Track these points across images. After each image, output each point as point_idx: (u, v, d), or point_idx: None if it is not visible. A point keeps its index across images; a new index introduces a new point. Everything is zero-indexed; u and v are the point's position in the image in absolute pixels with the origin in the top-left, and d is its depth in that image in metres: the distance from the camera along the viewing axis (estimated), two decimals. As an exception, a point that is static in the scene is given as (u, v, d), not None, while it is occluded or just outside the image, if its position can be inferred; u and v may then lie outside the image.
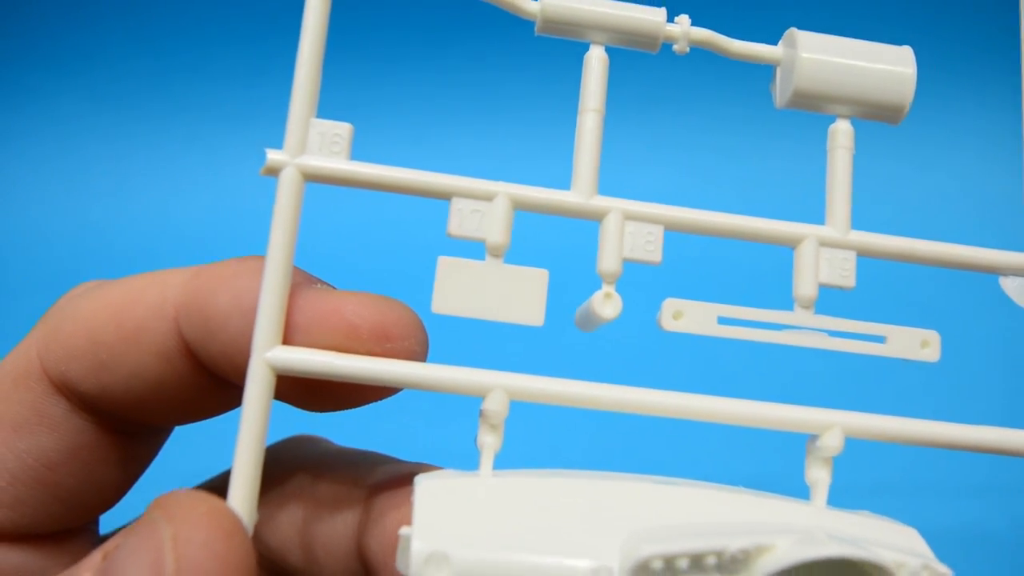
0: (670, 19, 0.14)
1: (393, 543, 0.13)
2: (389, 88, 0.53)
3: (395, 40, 0.53)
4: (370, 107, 0.53)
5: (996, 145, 0.50)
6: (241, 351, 0.13)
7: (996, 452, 0.14)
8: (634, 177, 0.52)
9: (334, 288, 0.15)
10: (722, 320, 0.13)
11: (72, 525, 0.16)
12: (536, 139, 0.53)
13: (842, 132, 0.15)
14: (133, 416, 0.16)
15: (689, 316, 0.13)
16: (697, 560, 0.11)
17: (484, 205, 0.13)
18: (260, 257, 0.14)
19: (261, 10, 0.54)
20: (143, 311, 0.15)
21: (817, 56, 0.14)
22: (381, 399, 0.15)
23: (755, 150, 0.50)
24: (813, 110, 0.15)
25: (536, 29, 0.14)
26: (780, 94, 0.15)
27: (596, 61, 0.14)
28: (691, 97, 0.51)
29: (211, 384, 0.15)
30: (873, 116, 0.15)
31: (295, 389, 0.14)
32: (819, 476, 0.13)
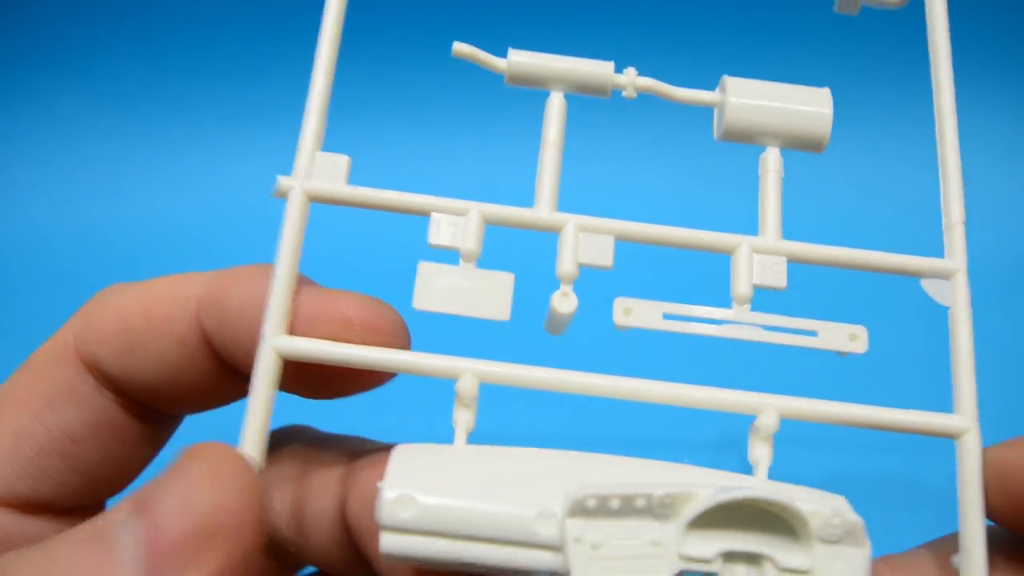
0: (619, 69, 0.17)
1: (370, 501, 0.14)
2: (389, 88, 0.53)
3: (395, 40, 0.53)
4: (370, 107, 0.53)
5: (996, 145, 0.50)
6: (251, 339, 0.15)
7: (916, 432, 0.16)
8: (634, 177, 0.52)
9: (331, 289, 0.17)
10: (667, 316, 0.15)
11: (87, 501, 0.18)
12: (535, 139, 0.53)
13: (771, 159, 0.17)
14: (151, 399, 0.18)
15: (637, 313, 0.15)
16: (628, 501, 0.13)
17: (459, 220, 0.16)
18: (271, 264, 0.16)
19: (261, 10, 0.54)
20: (170, 304, 0.17)
21: (743, 100, 0.17)
22: (372, 388, 0.17)
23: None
24: (745, 143, 0.17)
25: (505, 81, 0.17)
26: (716, 129, 0.17)
27: (556, 106, 0.17)
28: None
29: (222, 373, 0.17)
30: (797, 147, 0.17)
31: (297, 377, 0.16)
32: (760, 453, 0.15)
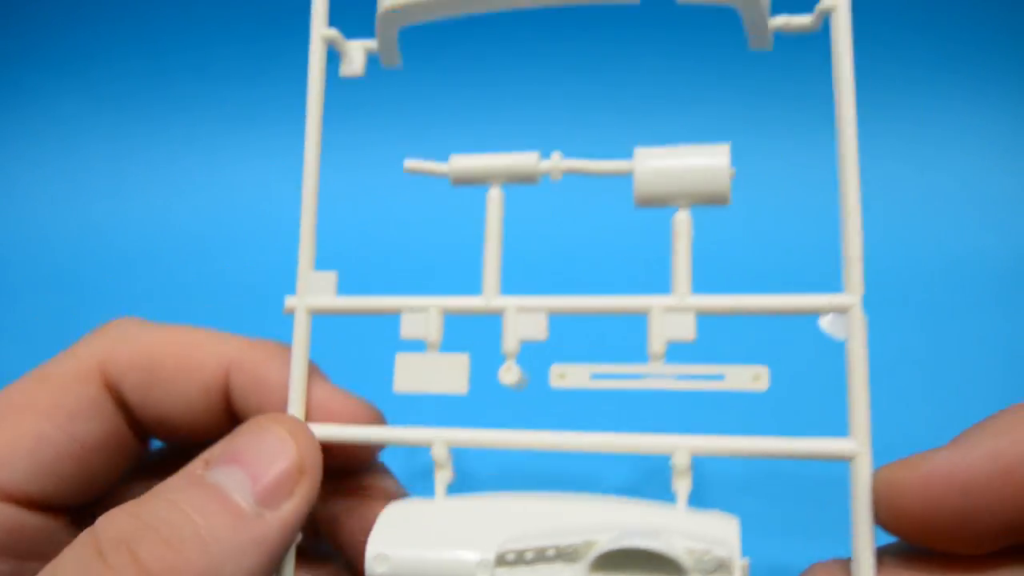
0: (546, 155, 0.19)
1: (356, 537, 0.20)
2: (389, 88, 0.53)
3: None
4: (370, 107, 0.53)
5: (996, 145, 0.50)
6: (269, 407, 0.20)
7: (815, 458, 0.17)
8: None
9: (336, 388, 0.21)
10: (595, 376, 0.18)
11: (81, 501, 0.21)
12: (536, 139, 0.53)
13: (680, 222, 0.19)
14: (155, 427, 0.21)
15: (570, 376, 0.18)
16: (540, 552, 0.16)
17: (422, 315, 0.19)
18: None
19: (261, 10, 0.54)
20: (203, 355, 0.21)
21: (649, 169, 0.18)
22: (367, 461, 0.22)
23: (756, 149, 0.50)
24: (659, 207, 0.19)
25: (451, 183, 0.20)
26: (634, 197, 0.19)
27: (494, 200, 0.20)
28: (691, 97, 0.51)
29: (226, 421, 0.21)
30: (705, 204, 0.18)
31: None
32: (679, 485, 0.17)
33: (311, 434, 0.18)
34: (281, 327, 0.21)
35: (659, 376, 0.18)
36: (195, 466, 0.17)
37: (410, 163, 0.20)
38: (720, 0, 0.18)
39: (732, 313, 0.18)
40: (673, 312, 0.18)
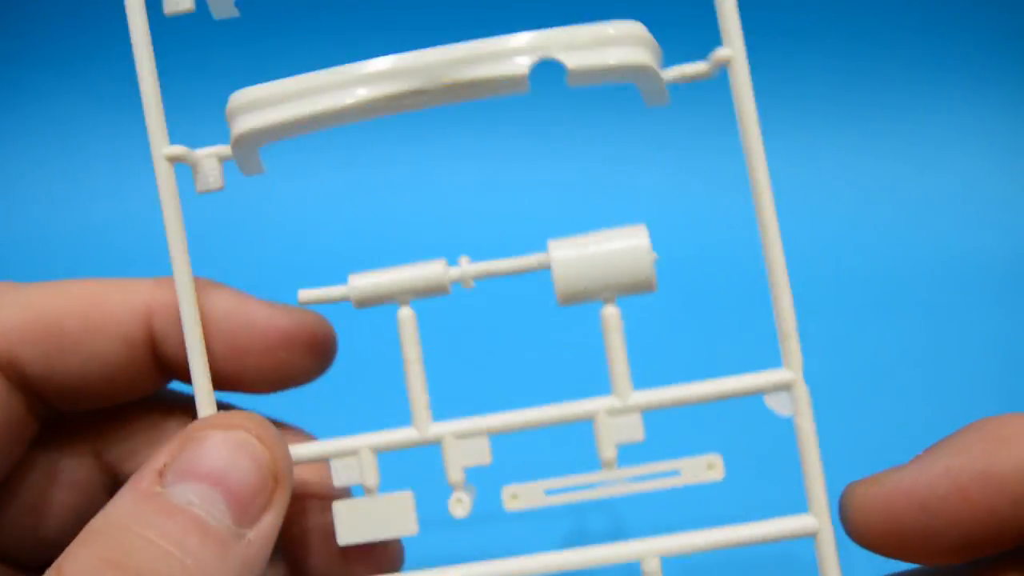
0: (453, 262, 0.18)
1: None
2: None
3: (395, 40, 0.53)
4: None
5: (996, 145, 0.50)
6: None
7: (779, 540, 0.17)
8: (636, 177, 0.52)
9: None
10: (548, 492, 0.17)
11: None
12: (536, 139, 0.53)
13: (609, 317, 0.17)
14: (69, 397, 0.19)
15: (523, 496, 0.17)
16: None
17: (353, 459, 0.17)
18: (212, 281, 0.19)
19: (261, 10, 0.54)
20: (111, 306, 0.18)
21: (564, 266, 0.17)
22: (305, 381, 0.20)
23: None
24: (584, 303, 0.17)
25: (354, 306, 0.18)
26: (556, 296, 0.18)
27: (406, 320, 0.18)
28: (692, 97, 0.51)
29: (156, 371, 0.19)
30: (632, 292, 0.17)
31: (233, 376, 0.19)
32: None
33: (278, 433, 0.16)
34: (248, 282, 0.20)
35: (614, 483, 0.17)
36: (148, 481, 0.15)
37: (304, 294, 0.18)
38: (616, 80, 0.17)
39: (678, 405, 0.17)
40: (618, 414, 0.17)
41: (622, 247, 0.17)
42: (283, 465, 0.16)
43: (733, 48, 0.17)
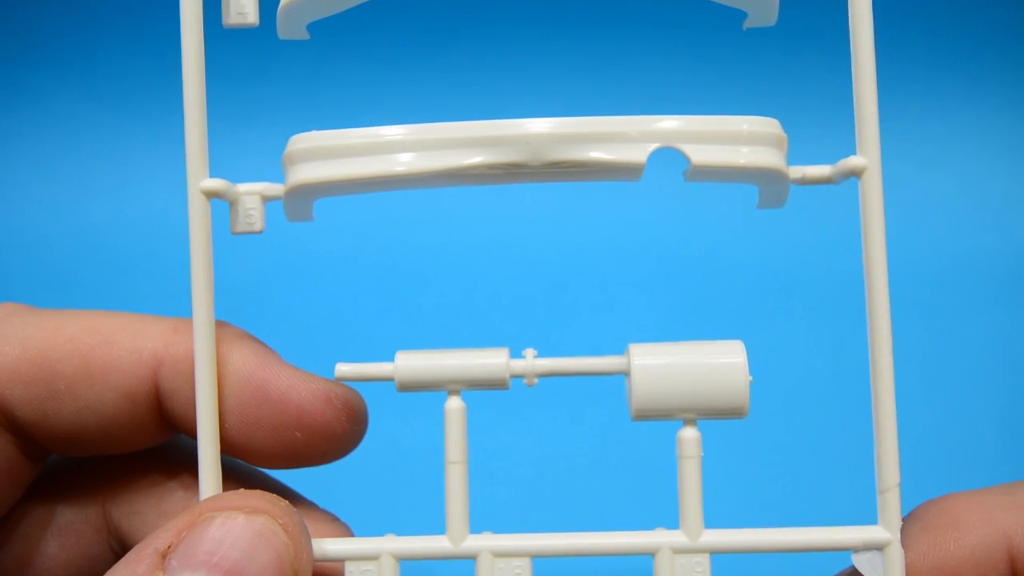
0: (516, 353, 0.16)
1: None
2: (389, 88, 0.53)
3: (395, 40, 0.53)
4: (370, 107, 0.53)
5: (996, 145, 0.50)
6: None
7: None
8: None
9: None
10: None
11: None
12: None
13: (687, 441, 0.15)
14: (62, 444, 0.17)
15: None
16: None
17: (373, 564, 0.15)
18: (228, 324, 0.17)
19: (261, 10, 0.54)
20: (116, 352, 0.16)
21: (648, 378, 0.15)
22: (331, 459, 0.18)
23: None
24: (661, 420, 0.15)
25: (397, 389, 0.16)
26: (630, 410, 0.15)
27: (454, 414, 0.15)
28: (692, 97, 0.51)
29: (160, 426, 0.17)
30: (719, 416, 0.15)
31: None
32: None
33: (302, 521, 0.14)
34: (282, 329, 0.19)
35: None
36: (148, 565, 0.13)
37: (342, 369, 0.16)
38: (737, 180, 0.15)
39: (751, 551, 0.15)
40: (684, 554, 0.15)
41: (715, 363, 0.15)
42: (305, 563, 0.13)
43: (868, 158, 0.15)
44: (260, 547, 0.13)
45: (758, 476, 0.37)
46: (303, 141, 0.16)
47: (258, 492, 0.14)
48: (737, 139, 0.15)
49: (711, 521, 0.15)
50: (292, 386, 0.17)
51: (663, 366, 0.15)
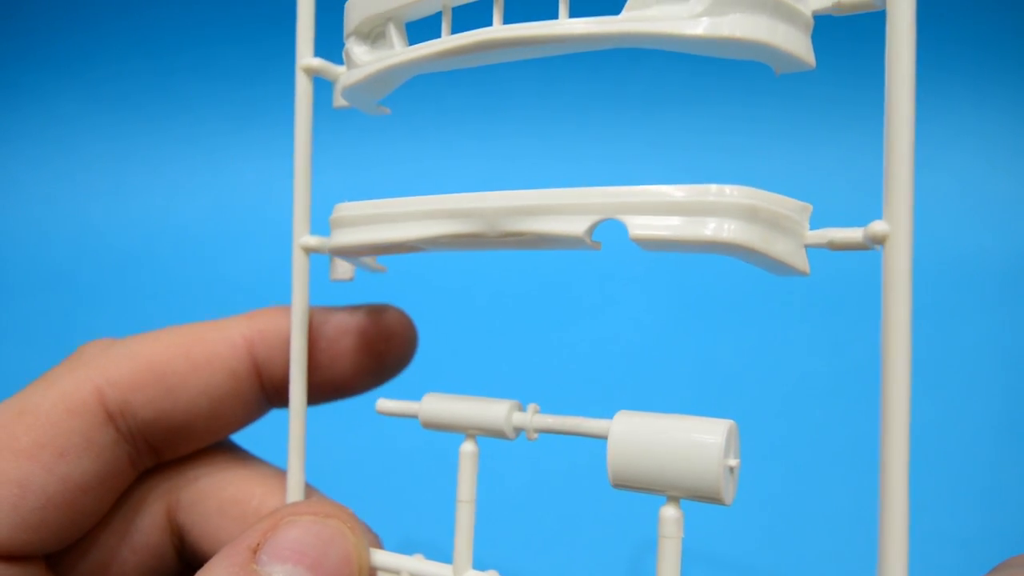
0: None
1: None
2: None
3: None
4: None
5: (996, 145, 0.50)
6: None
7: None
8: (635, 177, 0.52)
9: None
10: None
11: (62, 546, 0.18)
12: (536, 139, 0.53)
13: (665, 520, 0.14)
14: (175, 437, 0.19)
15: None
16: None
17: None
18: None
19: (261, 11, 0.54)
20: (211, 344, 0.19)
21: (624, 449, 0.14)
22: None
23: (756, 150, 0.50)
24: (641, 492, 0.15)
25: (422, 426, 0.17)
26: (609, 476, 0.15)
27: (465, 456, 0.17)
28: (692, 97, 0.51)
29: (258, 399, 0.20)
30: (695, 498, 0.14)
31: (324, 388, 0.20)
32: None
33: (363, 527, 0.17)
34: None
35: None
36: (243, 557, 0.15)
37: (382, 404, 0.18)
38: (700, 251, 0.13)
39: None
40: None
41: (690, 440, 0.14)
42: (366, 559, 0.16)
43: (893, 224, 0.12)
44: (334, 545, 0.16)
45: (838, 209, 0.37)
46: (338, 211, 0.18)
47: (327, 499, 0.17)
48: (683, 210, 0.13)
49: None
50: (366, 315, 0.20)
51: (639, 437, 0.14)
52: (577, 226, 0.14)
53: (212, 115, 0.56)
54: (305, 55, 0.18)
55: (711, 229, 0.13)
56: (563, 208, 0.14)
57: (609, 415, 0.15)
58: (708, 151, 0.51)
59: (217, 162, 0.56)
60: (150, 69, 0.57)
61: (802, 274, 0.13)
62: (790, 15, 0.13)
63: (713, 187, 0.13)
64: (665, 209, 0.13)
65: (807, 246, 0.13)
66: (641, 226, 0.13)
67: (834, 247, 0.13)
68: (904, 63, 0.12)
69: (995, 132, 0.50)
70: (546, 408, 0.17)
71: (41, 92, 0.59)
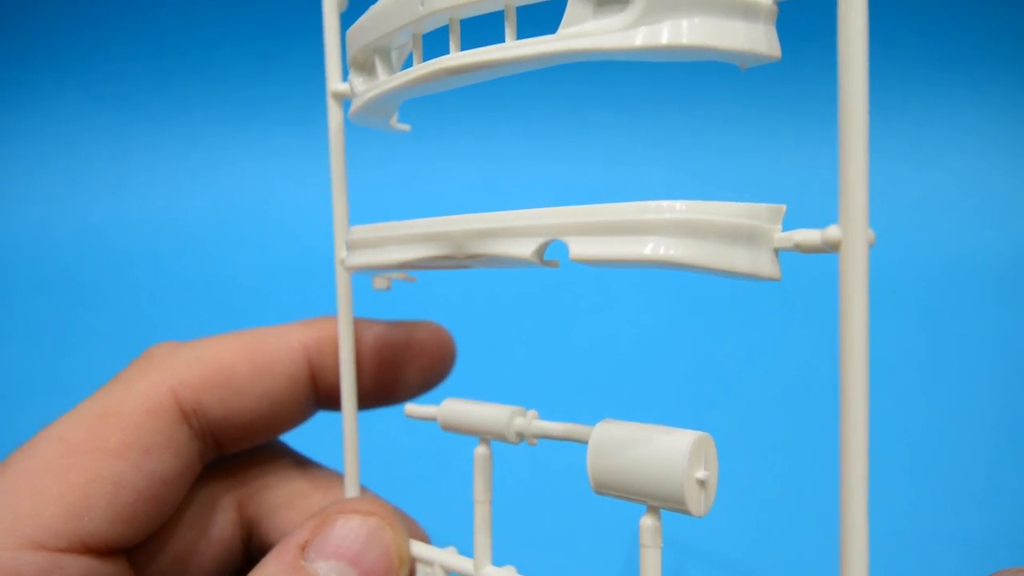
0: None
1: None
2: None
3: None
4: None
5: (996, 145, 0.50)
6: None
7: None
8: (635, 177, 0.52)
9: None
10: None
11: (146, 541, 0.20)
12: (536, 139, 0.53)
13: (644, 529, 0.14)
14: (241, 434, 0.21)
15: None
16: None
17: (431, 569, 0.18)
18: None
19: (261, 11, 0.54)
20: (272, 350, 0.21)
21: (601, 458, 0.14)
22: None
23: (756, 150, 0.50)
24: (621, 499, 0.15)
25: (441, 428, 0.18)
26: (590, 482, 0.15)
27: (479, 459, 0.17)
28: (691, 97, 0.51)
29: (311, 401, 0.22)
30: (666, 507, 0.14)
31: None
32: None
33: (402, 521, 0.18)
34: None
35: None
36: (293, 555, 0.17)
37: (410, 409, 0.19)
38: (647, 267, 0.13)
39: None
40: None
41: (653, 452, 0.14)
42: (406, 552, 0.18)
43: (847, 230, 0.12)
44: (375, 541, 0.17)
45: (907, 200, 0.36)
46: (350, 233, 0.19)
47: (371, 497, 0.19)
48: (623, 229, 0.13)
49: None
50: (408, 331, 0.22)
51: (612, 446, 0.14)
52: (525, 248, 0.14)
53: (212, 115, 0.56)
54: (334, 80, 0.19)
55: (649, 248, 0.13)
56: (514, 231, 0.14)
57: (628, 416, 0.15)
58: (708, 151, 0.51)
59: (217, 162, 0.56)
60: (150, 69, 0.57)
61: (772, 280, 0.13)
62: (736, 9, 0.13)
63: (652, 204, 0.13)
64: (606, 229, 0.13)
65: (778, 250, 0.13)
66: (581, 247, 0.13)
67: (801, 250, 0.12)
68: (857, 63, 0.11)
69: (995, 132, 0.50)
70: (560, 411, 0.17)
71: (41, 92, 0.59)
